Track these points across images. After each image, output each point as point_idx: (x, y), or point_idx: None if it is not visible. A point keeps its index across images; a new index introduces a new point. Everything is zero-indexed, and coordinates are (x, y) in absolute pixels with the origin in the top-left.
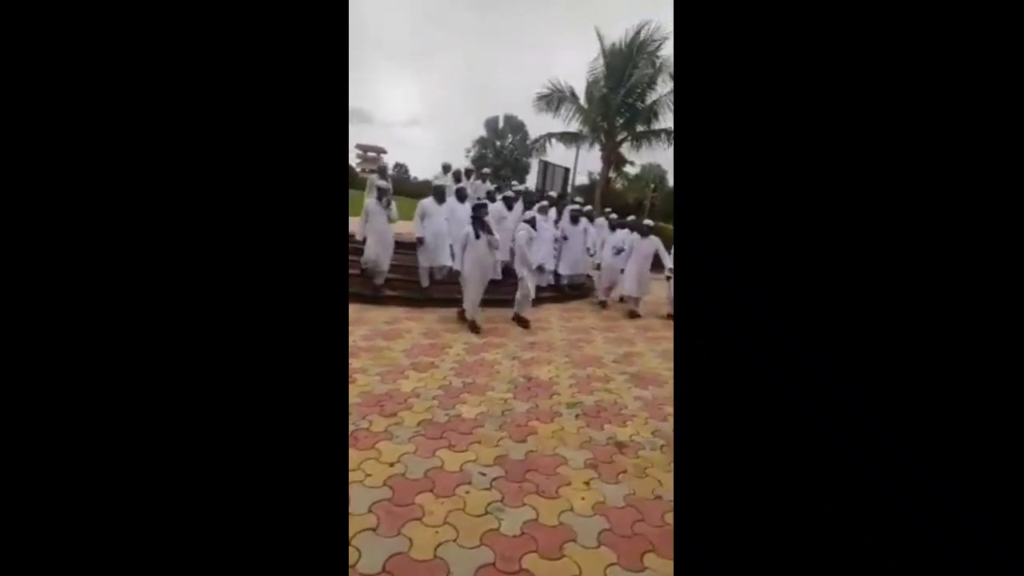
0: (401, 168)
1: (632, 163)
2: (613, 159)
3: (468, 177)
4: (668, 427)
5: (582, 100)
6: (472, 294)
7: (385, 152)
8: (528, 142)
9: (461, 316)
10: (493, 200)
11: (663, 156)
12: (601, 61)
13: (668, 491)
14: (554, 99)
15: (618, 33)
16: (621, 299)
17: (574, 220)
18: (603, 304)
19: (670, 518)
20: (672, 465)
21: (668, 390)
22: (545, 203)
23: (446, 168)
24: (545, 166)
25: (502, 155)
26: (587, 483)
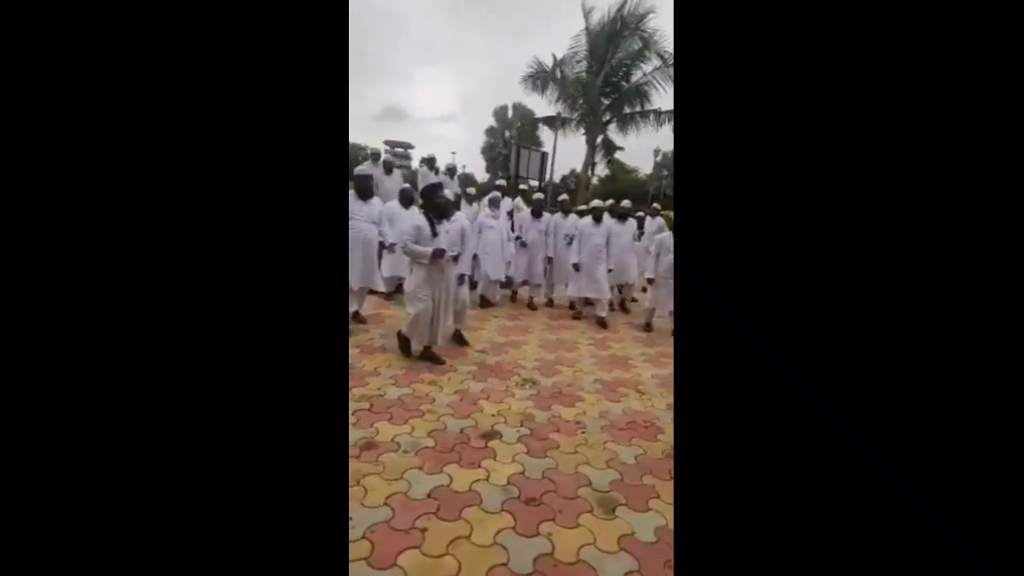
0: (429, 161)
1: (622, 148)
2: (601, 144)
3: (451, 175)
4: (455, 424)
5: (571, 80)
6: (425, 316)
7: (412, 147)
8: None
9: (405, 347)
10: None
11: (656, 139)
12: (584, 38)
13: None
14: (539, 78)
15: (603, 8)
16: (570, 303)
17: (536, 214)
18: (531, 306)
19: None
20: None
21: (493, 384)
22: (496, 194)
23: (428, 162)
24: (518, 151)
25: (509, 144)
26: None
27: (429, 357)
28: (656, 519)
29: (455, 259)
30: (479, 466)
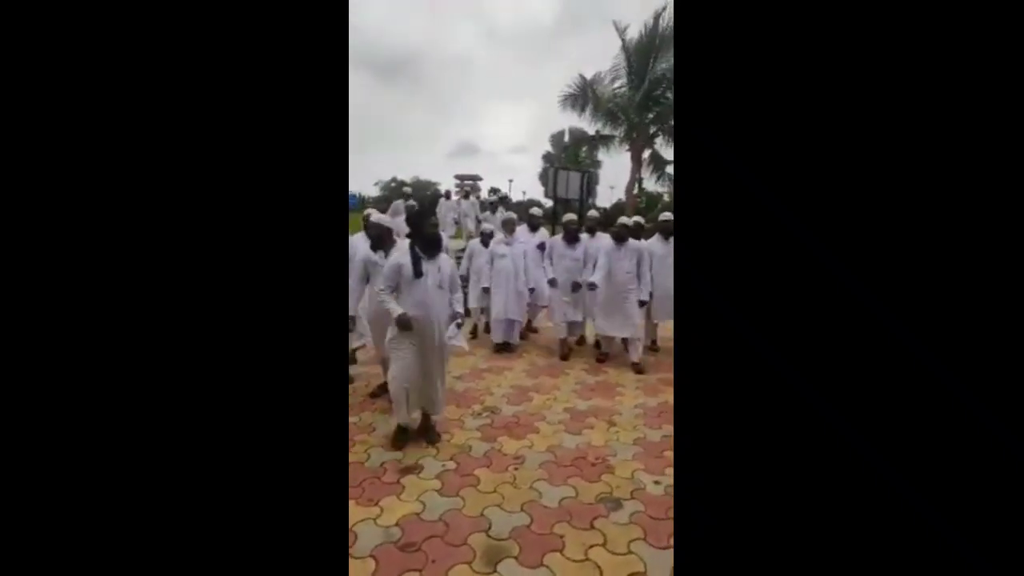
0: (494, 192)
1: (672, 161)
2: (649, 159)
3: (492, 209)
4: (380, 456)
5: (605, 98)
6: (402, 375)
7: (481, 179)
8: (582, 152)
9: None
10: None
11: None
12: (622, 56)
13: None
14: (578, 99)
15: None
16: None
17: (570, 240)
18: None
19: None
20: None
21: (449, 413)
22: (511, 215)
23: (490, 193)
24: (556, 173)
25: (548, 167)
26: None
27: (423, 431)
28: None
29: (455, 316)
30: (376, 504)
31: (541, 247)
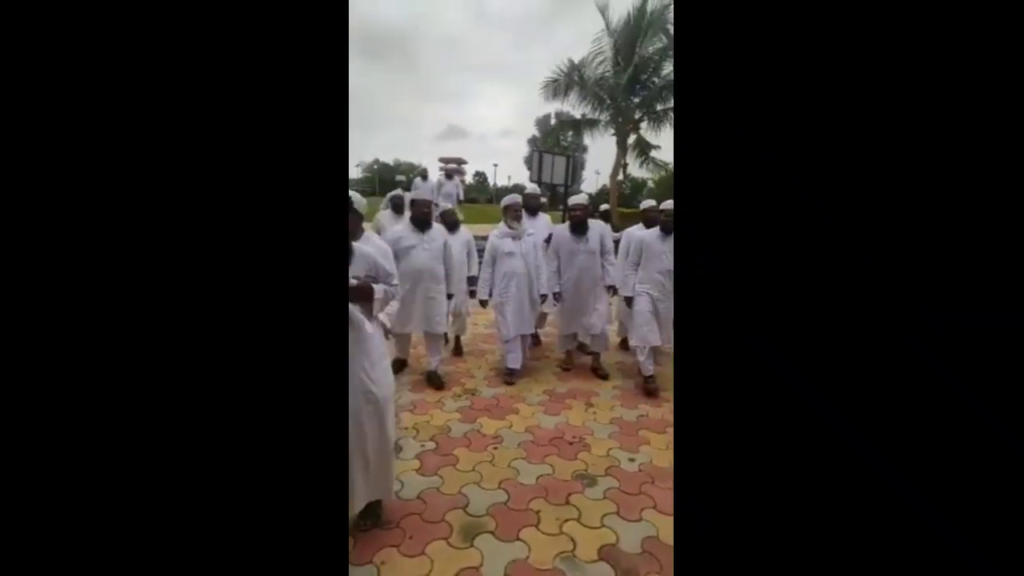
0: (480, 176)
1: (658, 147)
2: (635, 144)
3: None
4: None
5: (592, 81)
6: None
7: (466, 163)
8: (568, 135)
9: None
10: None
11: None
12: (606, 39)
13: None
14: (561, 85)
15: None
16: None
17: (577, 229)
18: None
19: None
20: None
21: (428, 396)
22: (515, 198)
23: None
24: (539, 156)
25: (532, 151)
26: None
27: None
28: (518, 550)
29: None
30: None
31: (550, 240)
